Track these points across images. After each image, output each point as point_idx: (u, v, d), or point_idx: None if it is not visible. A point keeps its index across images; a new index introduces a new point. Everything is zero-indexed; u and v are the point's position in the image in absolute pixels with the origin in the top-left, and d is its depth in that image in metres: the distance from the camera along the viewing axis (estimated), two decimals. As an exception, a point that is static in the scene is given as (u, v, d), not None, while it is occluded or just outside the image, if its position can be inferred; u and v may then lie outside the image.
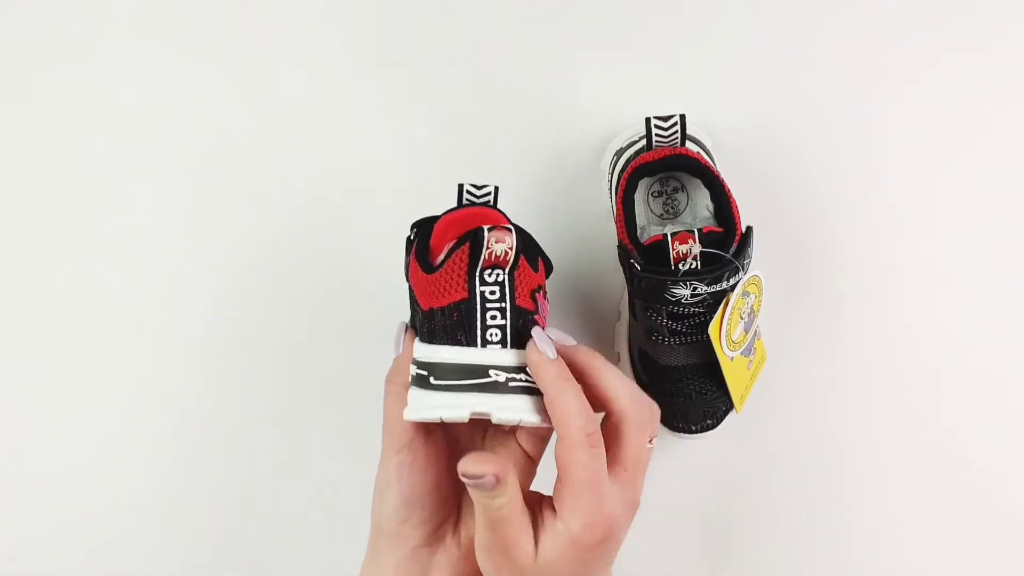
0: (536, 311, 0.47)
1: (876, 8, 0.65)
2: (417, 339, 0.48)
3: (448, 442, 0.50)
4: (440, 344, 0.46)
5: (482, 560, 0.45)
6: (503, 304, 0.46)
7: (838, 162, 0.65)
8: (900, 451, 0.66)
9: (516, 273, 0.46)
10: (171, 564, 0.68)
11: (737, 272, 0.55)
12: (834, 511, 0.67)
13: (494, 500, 0.43)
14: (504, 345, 0.46)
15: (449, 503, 0.49)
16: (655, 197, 0.64)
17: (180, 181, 0.67)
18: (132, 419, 0.67)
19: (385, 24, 0.66)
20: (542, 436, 0.48)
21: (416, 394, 0.47)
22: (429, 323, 0.47)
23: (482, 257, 0.45)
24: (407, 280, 0.51)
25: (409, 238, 0.52)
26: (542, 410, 0.45)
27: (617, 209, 0.58)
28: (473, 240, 0.45)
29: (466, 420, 0.45)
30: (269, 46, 0.67)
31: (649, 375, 0.61)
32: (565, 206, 0.66)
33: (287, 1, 0.67)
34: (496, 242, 0.45)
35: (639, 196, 0.62)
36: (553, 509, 0.44)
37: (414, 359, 0.47)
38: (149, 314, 0.67)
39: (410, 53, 0.66)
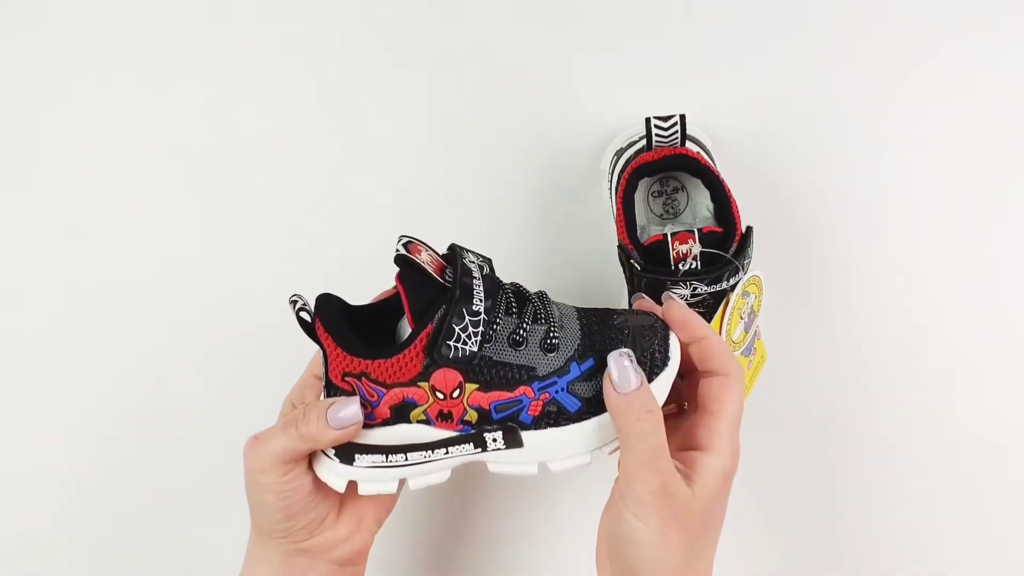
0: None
1: (877, 8, 0.65)
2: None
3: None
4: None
5: (637, 512, 0.44)
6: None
7: (838, 162, 0.65)
8: (900, 450, 0.66)
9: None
10: (169, 564, 0.68)
11: (737, 272, 0.55)
12: (834, 511, 0.67)
13: (646, 414, 0.44)
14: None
15: (329, 499, 0.50)
16: (655, 197, 0.64)
17: (180, 181, 0.67)
18: (130, 418, 0.67)
19: (384, 26, 0.66)
20: None
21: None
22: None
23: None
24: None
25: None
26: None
27: (617, 209, 0.58)
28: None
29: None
30: (269, 47, 0.67)
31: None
32: (565, 206, 0.66)
33: (288, 4, 0.67)
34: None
35: (639, 196, 0.62)
36: (694, 449, 0.46)
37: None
38: (148, 314, 0.67)
39: (410, 55, 0.66)
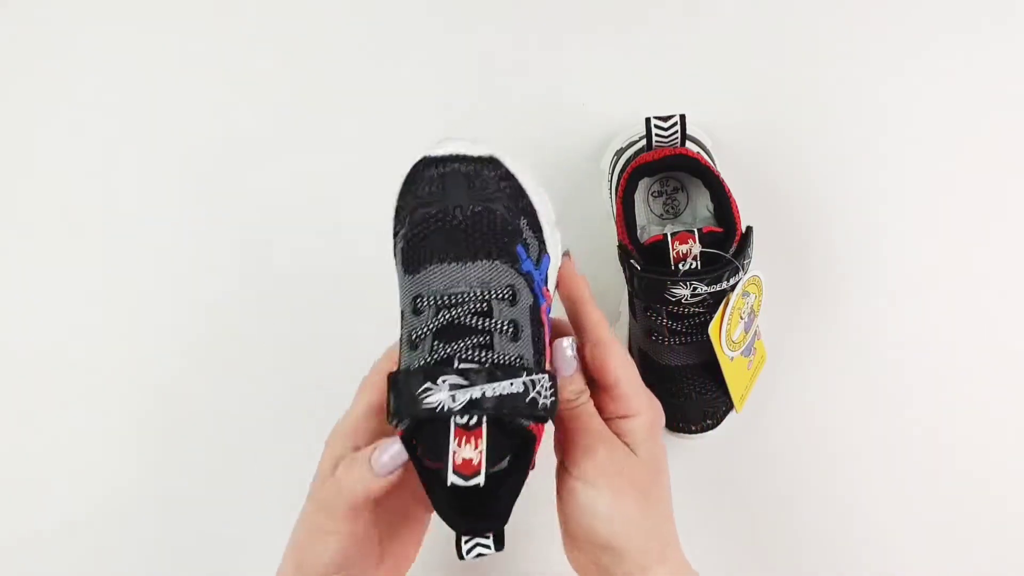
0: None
1: (877, 9, 0.65)
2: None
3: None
4: None
5: (589, 481, 0.46)
6: None
7: (838, 162, 0.65)
8: (900, 451, 0.66)
9: None
10: (166, 565, 0.68)
11: (737, 272, 0.55)
12: (834, 511, 0.67)
13: (577, 393, 0.47)
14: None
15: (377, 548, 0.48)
16: (655, 197, 0.64)
17: (180, 182, 0.67)
18: (127, 418, 0.67)
19: (385, 25, 0.66)
20: None
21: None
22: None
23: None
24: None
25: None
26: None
27: (617, 209, 0.58)
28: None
29: None
30: (269, 46, 0.67)
31: (649, 375, 0.61)
32: (565, 206, 0.66)
33: (290, 3, 0.67)
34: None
35: (639, 196, 0.62)
36: (616, 418, 0.48)
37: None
38: (146, 315, 0.67)
39: (410, 53, 0.66)
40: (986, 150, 0.65)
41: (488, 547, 0.44)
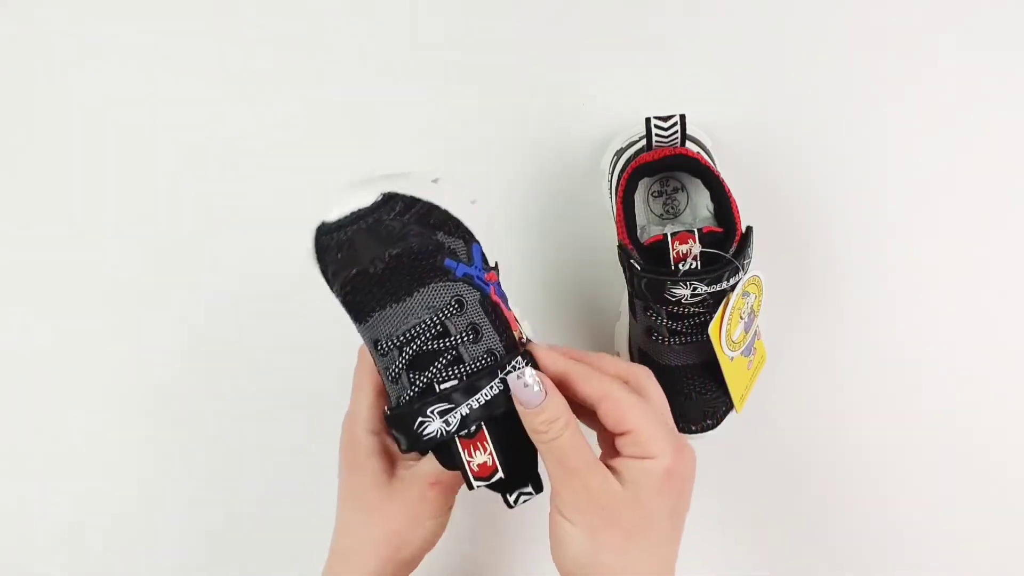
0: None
1: (877, 9, 0.65)
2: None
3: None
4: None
5: (565, 512, 0.45)
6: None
7: (838, 162, 0.65)
8: (900, 451, 0.66)
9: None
10: (161, 566, 0.68)
11: (737, 272, 0.55)
12: (834, 511, 0.67)
13: (548, 425, 0.44)
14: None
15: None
16: (655, 197, 0.64)
17: (180, 181, 0.67)
18: (127, 418, 0.67)
19: (386, 25, 0.66)
20: None
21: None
22: None
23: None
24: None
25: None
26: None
27: (617, 209, 0.58)
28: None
29: None
30: (270, 46, 0.67)
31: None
32: (565, 206, 0.66)
33: (287, 2, 0.67)
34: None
35: (639, 196, 0.62)
36: (631, 457, 0.45)
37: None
38: (146, 314, 0.67)
39: (411, 53, 0.66)
40: (986, 150, 0.65)
41: (530, 492, 0.48)
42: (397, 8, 0.66)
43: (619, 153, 0.62)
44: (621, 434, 0.45)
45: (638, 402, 0.45)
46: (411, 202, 0.46)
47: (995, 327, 0.66)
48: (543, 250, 0.67)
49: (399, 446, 0.47)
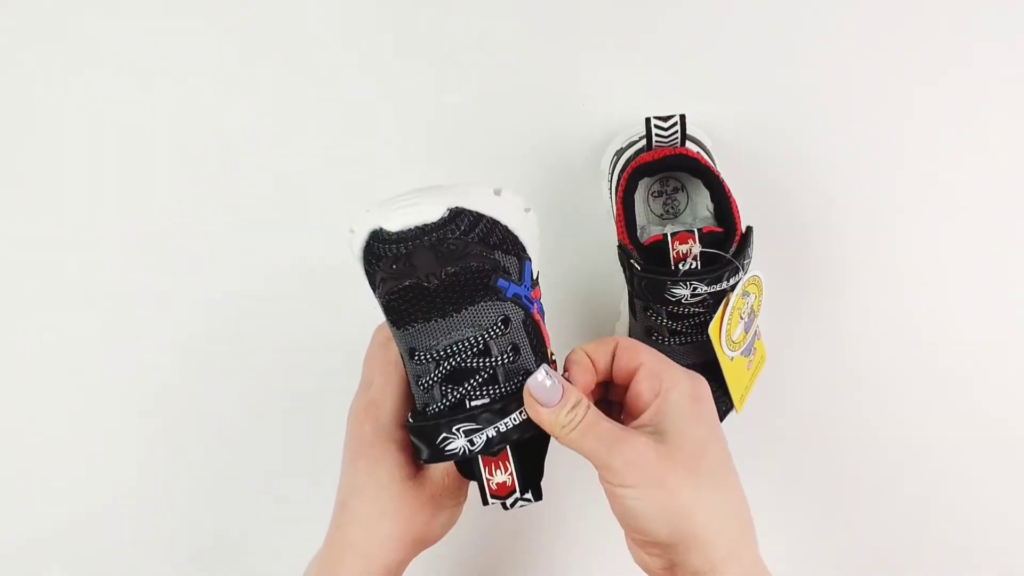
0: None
1: (878, 8, 0.65)
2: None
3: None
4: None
5: (622, 483, 0.45)
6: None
7: (838, 162, 0.65)
8: (900, 450, 0.66)
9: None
10: (161, 565, 0.68)
11: (737, 272, 0.55)
12: (834, 511, 0.67)
13: (573, 413, 0.45)
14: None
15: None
16: (655, 197, 0.64)
17: (180, 181, 0.67)
18: (127, 418, 0.67)
19: (386, 24, 0.66)
20: None
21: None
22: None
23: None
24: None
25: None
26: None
27: (617, 209, 0.58)
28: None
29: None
30: (268, 47, 0.67)
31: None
32: (565, 206, 0.66)
33: (288, 2, 0.67)
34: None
35: (639, 196, 0.62)
36: (651, 401, 0.47)
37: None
38: (146, 314, 0.67)
39: (411, 53, 0.66)
40: (987, 150, 0.65)
41: (529, 500, 0.47)
42: (397, 8, 0.66)
43: (619, 153, 0.62)
44: (634, 371, 0.48)
45: (643, 344, 0.49)
46: (476, 220, 0.44)
47: (996, 327, 0.66)
48: (543, 250, 0.66)
49: (418, 455, 0.47)
